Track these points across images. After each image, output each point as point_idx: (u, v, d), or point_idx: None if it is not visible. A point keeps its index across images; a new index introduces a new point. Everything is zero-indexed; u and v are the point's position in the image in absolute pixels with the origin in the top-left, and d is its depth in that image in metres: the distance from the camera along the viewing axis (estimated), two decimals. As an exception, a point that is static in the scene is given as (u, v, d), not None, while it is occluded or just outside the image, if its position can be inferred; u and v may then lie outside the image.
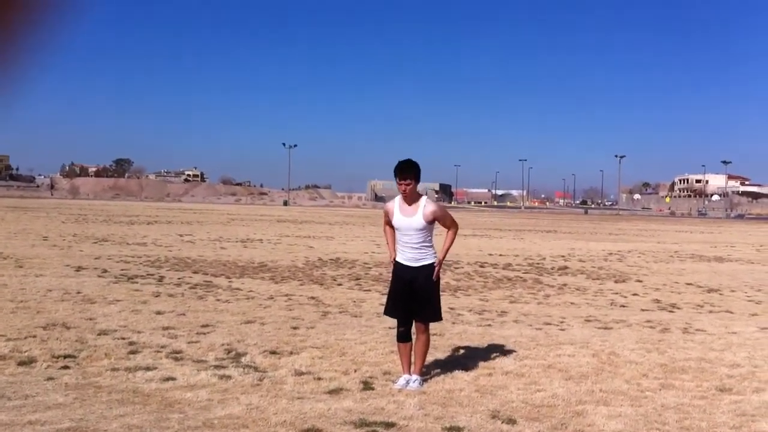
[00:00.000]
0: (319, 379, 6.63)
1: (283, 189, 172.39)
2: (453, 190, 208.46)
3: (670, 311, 12.09)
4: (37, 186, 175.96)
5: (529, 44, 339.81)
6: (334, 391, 6.21)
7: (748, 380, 7.06)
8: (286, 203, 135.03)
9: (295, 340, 8.42)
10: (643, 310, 12.14)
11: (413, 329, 6.70)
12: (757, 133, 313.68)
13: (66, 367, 6.72)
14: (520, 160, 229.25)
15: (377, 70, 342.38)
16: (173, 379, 6.43)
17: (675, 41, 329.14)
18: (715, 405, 6.13)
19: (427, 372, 6.90)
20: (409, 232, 6.56)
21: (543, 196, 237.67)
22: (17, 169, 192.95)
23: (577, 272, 18.41)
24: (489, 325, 10.06)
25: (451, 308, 11.40)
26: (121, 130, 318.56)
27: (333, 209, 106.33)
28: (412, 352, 6.65)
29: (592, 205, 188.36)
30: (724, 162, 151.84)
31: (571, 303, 12.70)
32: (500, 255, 23.37)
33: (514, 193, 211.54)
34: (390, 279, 6.99)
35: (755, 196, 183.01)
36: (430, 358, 7.17)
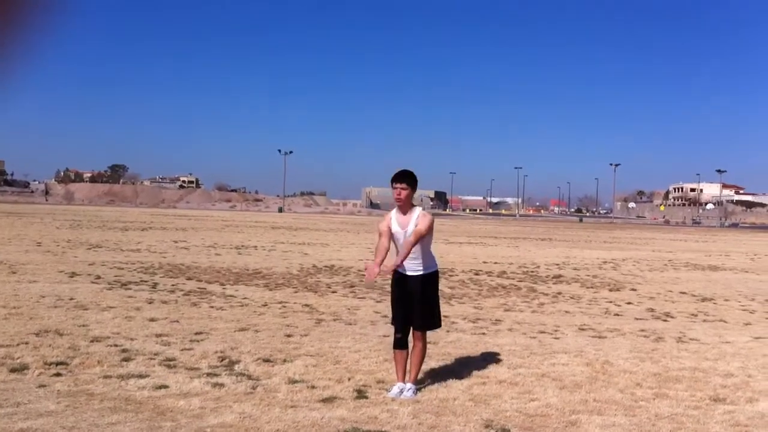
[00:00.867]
0: (313, 387, 6.61)
1: (278, 195, 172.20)
2: (448, 197, 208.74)
3: (664, 320, 12.09)
4: (32, 191, 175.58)
5: (525, 53, 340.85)
6: (328, 400, 6.19)
7: (741, 390, 7.06)
8: (281, 210, 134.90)
9: (288, 347, 8.40)
10: (637, 318, 12.14)
11: (410, 337, 6.70)
12: (752, 142, 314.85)
13: (58, 374, 6.69)
14: (515, 168, 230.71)
15: (373, 77, 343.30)
16: (166, 386, 6.41)
17: (670, 50, 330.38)
18: (708, 415, 6.13)
19: (420, 381, 6.88)
20: (403, 241, 6.58)
21: (538, 203, 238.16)
22: (12, 175, 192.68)
23: (572, 280, 18.41)
24: (483, 333, 10.05)
25: (446, 316, 11.36)
26: (117, 136, 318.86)
27: (328, 216, 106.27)
28: (408, 361, 6.65)
29: (587, 213, 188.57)
30: (719, 171, 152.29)
31: (566, 311, 12.69)
32: (495, 263, 23.37)
33: (509, 200, 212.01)
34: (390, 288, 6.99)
35: (749, 205, 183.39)
36: (423, 367, 7.15)
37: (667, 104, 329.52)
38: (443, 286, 15.68)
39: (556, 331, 10.48)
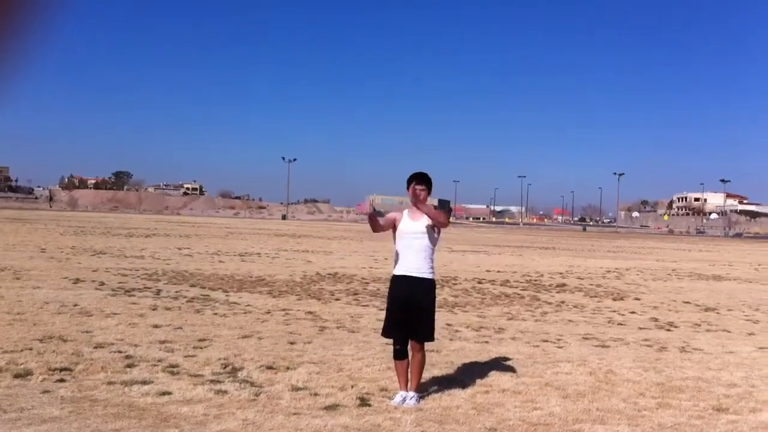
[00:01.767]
0: (316, 394, 6.61)
1: (281, 203, 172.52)
2: (452, 205, 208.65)
3: (668, 330, 12.08)
4: (36, 198, 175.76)
5: (529, 61, 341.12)
6: (331, 407, 6.20)
7: (745, 400, 7.06)
8: (284, 217, 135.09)
9: (292, 355, 8.40)
10: (640, 328, 12.13)
11: (409, 346, 6.69)
12: (756, 152, 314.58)
13: (62, 380, 6.71)
14: (519, 177, 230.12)
15: (377, 85, 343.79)
16: (169, 393, 6.42)
17: (674, 60, 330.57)
18: (711, 425, 6.13)
19: (423, 388, 6.88)
20: (414, 236, 6.58)
21: (541, 212, 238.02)
22: (16, 181, 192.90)
23: (575, 289, 18.39)
24: (486, 341, 10.05)
25: (449, 324, 11.39)
26: (121, 143, 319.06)
27: (331, 224, 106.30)
28: (409, 370, 6.65)
29: (591, 223, 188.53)
30: (723, 181, 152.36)
31: (569, 320, 12.68)
32: (498, 271, 23.36)
33: (513, 209, 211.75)
34: (387, 296, 6.96)
35: (753, 215, 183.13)
36: (427, 375, 7.16)
37: (671, 114, 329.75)
38: (447, 294, 15.71)
39: (559, 340, 10.47)
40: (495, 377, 7.64)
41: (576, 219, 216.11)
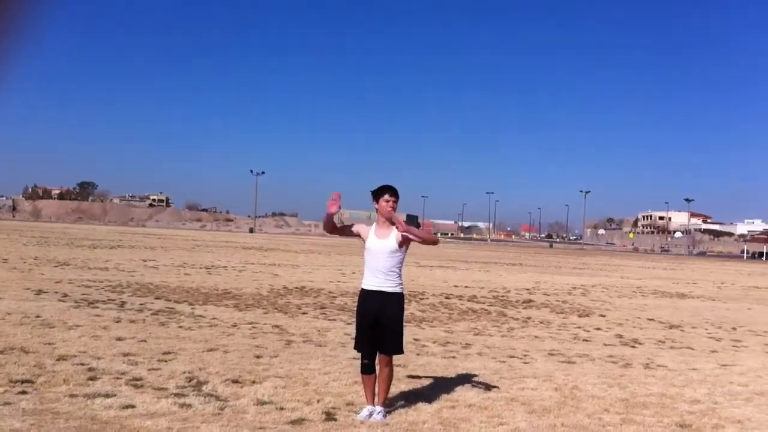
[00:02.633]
0: (282, 409, 6.57)
1: (249, 216, 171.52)
2: (420, 221, 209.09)
3: (633, 346, 12.19)
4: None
5: (497, 79, 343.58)
6: (297, 422, 6.16)
7: (707, 416, 7.13)
8: (251, 230, 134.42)
9: (258, 369, 8.34)
10: (605, 344, 12.23)
11: (377, 361, 6.66)
12: (720, 171, 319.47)
13: (23, 392, 6.59)
14: (487, 193, 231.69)
15: (345, 99, 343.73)
16: (132, 406, 6.33)
17: (639, 80, 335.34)
18: (675, 441, 6.18)
19: (390, 403, 6.86)
20: (382, 255, 6.52)
21: (509, 228, 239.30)
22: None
23: (542, 306, 18.50)
24: (453, 357, 10.06)
25: (416, 339, 11.39)
26: (86, 153, 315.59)
27: (299, 237, 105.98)
28: (376, 384, 6.62)
29: (557, 239, 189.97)
30: (687, 200, 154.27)
31: (535, 336, 12.75)
32: (466, 287, 23.44)
33: (481, 225, 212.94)
34: (356, 310, 6.91)
35: (717, 234, 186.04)
36: (393, 390, 7.14)
37: (638, 133, 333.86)
38: (414, 309, 15.73)
39: (525, 355, 10.52)
40: (461, 392, 7.64)
41: (543, 235, 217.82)
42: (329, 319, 13.42)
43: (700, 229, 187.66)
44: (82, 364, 8.00)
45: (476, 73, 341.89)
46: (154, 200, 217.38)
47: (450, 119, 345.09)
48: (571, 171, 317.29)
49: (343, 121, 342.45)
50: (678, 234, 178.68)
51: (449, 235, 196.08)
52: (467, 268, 36.28)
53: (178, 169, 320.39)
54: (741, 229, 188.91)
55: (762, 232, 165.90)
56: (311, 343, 10.58)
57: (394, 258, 6.55)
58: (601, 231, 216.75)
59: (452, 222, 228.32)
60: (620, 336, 13.42)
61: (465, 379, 8.41)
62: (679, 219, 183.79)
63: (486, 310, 16.77)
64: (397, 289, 6.58)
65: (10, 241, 39.72)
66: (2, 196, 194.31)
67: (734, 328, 15.68)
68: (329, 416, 6.40)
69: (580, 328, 14.35)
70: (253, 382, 7.61)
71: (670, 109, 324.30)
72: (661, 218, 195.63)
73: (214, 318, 12.73)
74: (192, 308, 14.01)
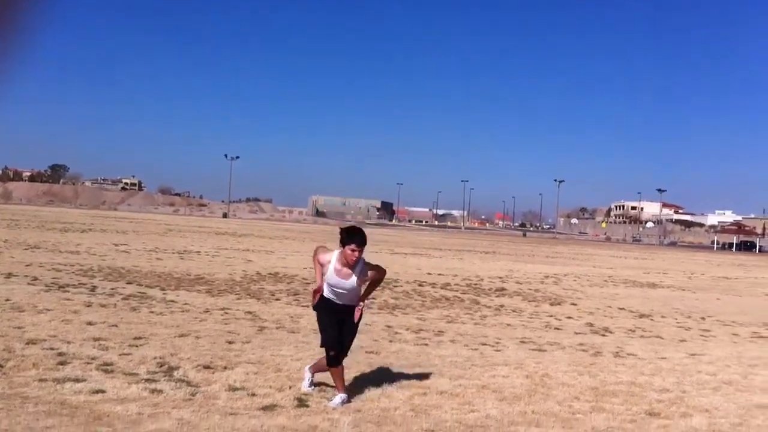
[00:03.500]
0: (253, 395, 6.56)
1: (223, 201, 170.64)
2: (395, 208, 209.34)
3: (603, 335, 12.31)
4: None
5: (472, 67, 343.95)
6: (268, 408, 6.15)
7: (676, 405, 7.22)
8: (225, 215, 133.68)
9: (230, 354, 8.32)
10: (576, 333, 12.33)
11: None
12: (692, 163, 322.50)
13: (-9, 377, 6.52)
14: (462, 181, 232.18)
15: (320, 85, 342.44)
16: (103, 391, 6.29)
17: (614, 70, 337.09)
18: (643, 429, 6.26)
19: (361, 390, 6.89)
20: (340, 290, 6.70)
21: (483, 217, 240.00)
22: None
23: (514, 294, 18.62)
24: (426, 344, 10.10)
25: (389, 326, 11.41)
26: (58, 135, 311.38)
27: (273, 223, 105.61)
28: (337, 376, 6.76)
29: (531, 228, 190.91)
30: (659, 190, 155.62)
31: (507, 324, 12.83)
32: (439, 274, 23.51)
33: (455, 213, 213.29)
34: (320, 312, 6.93)
35: (688, 224, 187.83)
36: (365, 376, 7.20)
37: (611, 123, 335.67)
38: (387, 296, 15.75)
39: (497, 343, 10.59)
40: (433, 379, 7.68)
41: (517, 224, 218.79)
42: (302, 306, 13.40)
43: (671, 220, 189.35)
44: (52, 349, 7.93)
45: (451, 60, 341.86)
46: (126, 184, 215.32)
47: (425, 106, 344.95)
48: (545, 160, 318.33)
49: (317, 108, 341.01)
50: (650, 224, 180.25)
51: (424, 222, 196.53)
52: (441, 256, 36.39)
53: (151, 153, 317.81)
54: (712, 219, 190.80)
55: (732, 224, 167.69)
56: (284, 329, 10.56)
57: (353, 292, 6.75)
58: (574, 220, 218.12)
59: (427, 210, 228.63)
60: (591, 325, 13.54)
61: (437, 366, 8.45)
62: (651, 209, 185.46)
63: (459, 297, 16.84)
64: (358, 303, 6.89)
65: (-21, 223, 39.20)
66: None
67: (703, 318, 15.88)
68: (301, 402, 6.41)
69: (551, 316, 14.45)
70: (225, 368, 7.59)
71: (643, 99, 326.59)
72: (633, 208, 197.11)
73: (186, 303, 12.67)
74: (164, 293, 13.93)
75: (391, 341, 10.03)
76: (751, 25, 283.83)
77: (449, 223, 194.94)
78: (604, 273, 30.69)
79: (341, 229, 6.77)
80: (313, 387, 6.91)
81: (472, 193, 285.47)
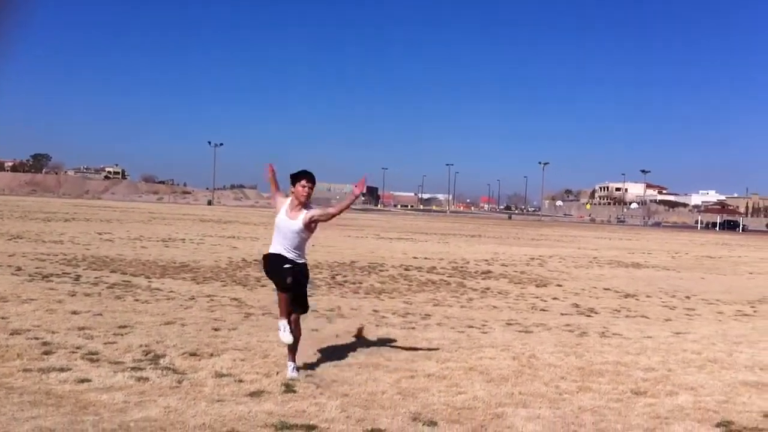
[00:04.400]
0: (240, 381, 6.55)
1: (207, 188, 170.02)
2: (380, 193, 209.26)
3: (588, 315, 12.36)
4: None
5: (455, 51, 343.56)
6: (255, 394, 6.14)
7: (662, 384, 7.26)
8: (210, 203, 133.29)
9: (216, 341, 8.29)
10: (562, 314, 12.38)
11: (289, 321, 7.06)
12: (675, 144, 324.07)
13: (-26, 368, 6.47)
14: (446, 165, 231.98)
15: (304, 71, 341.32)
16: (88, 380, 6.26)
17: (596, 55, 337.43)
18: (630, 407, 6.29)
19: (348, 374, 6.91)
20: (288, 233, 6.95)
21: (468, 200, 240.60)
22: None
23: (500, 276, 18.66)
24: (413, 327, 10.10)
25: (375, 311, 11.41)
26: (40, 125, 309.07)
27: (258, 210, 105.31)
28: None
29: (516, 211, 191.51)
30: (643, 171, 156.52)
31: (494, 306, 12.86)
32: (425, 258, 23.53)
33: (440, 197, 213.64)
34: (272, 277, 7.19)
35: (672, 204, 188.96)
36: (352, 360, 7.20)
37: (595, 105, 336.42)
38: (374, 280, 15.76)
39: (484, 325, 10.61)
40: (420, 362, 7.68)
41: (502, 207, 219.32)
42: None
43: (655, 200, 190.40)
44: (37, 339, 7.87)
45: (435, 46, 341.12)
46: (109, 172, 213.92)
47: (409, 92, 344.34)
48: (530, 143, 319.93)
49: (303, 94, 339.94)
50: (634, 205, 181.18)
51: (409, 207, 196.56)
52: (426, 240, 36.42)
53: (134, 141, 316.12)
54: (695, 200, 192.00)
55: (716, 203, 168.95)
56: (270, 315, 10.53)
57: (299, 237, 6.99)
58: (559, 203, 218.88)
59: (412, 194, 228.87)
60: (577, 305, 13.59)
61: (424, 349, 8.45)
62: (635, 190, 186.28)
63: (445, 281, 16.86)
64: (304, 260, 7.14)
65: (-39, 214, 38.86)
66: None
67: (688, 297, 15.98)
68: (288, 388, 6.40)
69: (537, 298, 14.50)
70: (212, 354, 7.57)
71: (626, 81, 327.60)
72: (617, 189, 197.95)
73: (171, 291, 12.61)
74: (149, 281, 13.86)
75: (377, 325, 10.03)
76: (731, 7, 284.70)
77: (434, 207, 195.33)
78: (589, 254, 30.81)
79: (291, 174, 7.08)
80: (297, 372, 6.92)
81: (457, 177, 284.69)
